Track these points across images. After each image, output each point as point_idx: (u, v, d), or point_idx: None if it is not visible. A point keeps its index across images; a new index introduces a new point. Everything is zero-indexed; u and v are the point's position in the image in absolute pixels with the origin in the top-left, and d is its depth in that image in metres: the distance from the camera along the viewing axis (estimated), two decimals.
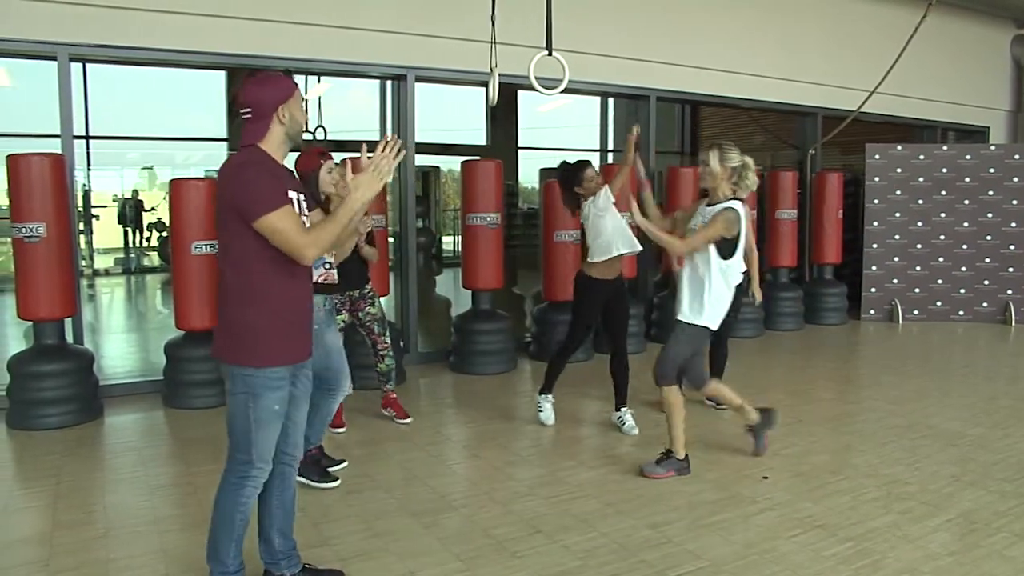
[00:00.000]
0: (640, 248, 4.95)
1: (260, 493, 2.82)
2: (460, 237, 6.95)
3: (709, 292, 3.96)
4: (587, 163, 4.97)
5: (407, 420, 5.09)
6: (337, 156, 5.41)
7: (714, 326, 4.07)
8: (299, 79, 9.85)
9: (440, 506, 3.77)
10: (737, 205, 3.97)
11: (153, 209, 15.04)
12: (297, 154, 4.12)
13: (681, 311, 4.06)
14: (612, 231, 4.82)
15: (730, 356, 5.62)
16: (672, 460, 4.15)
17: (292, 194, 2.61)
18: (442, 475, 4.23)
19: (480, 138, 13.13)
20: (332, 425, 4.93)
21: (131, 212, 15.05)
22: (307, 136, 10.76)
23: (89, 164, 12.17)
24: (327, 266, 4.05)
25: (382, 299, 6.04)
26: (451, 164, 12.67)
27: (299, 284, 2.67)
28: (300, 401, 2.82)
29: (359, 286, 4.79)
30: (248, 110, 2.58)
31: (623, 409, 5.01)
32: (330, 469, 4.18)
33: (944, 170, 9.10)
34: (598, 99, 12.34)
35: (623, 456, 4.47)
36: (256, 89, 2.59)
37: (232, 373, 2.62)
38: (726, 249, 3.94)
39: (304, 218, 2.68)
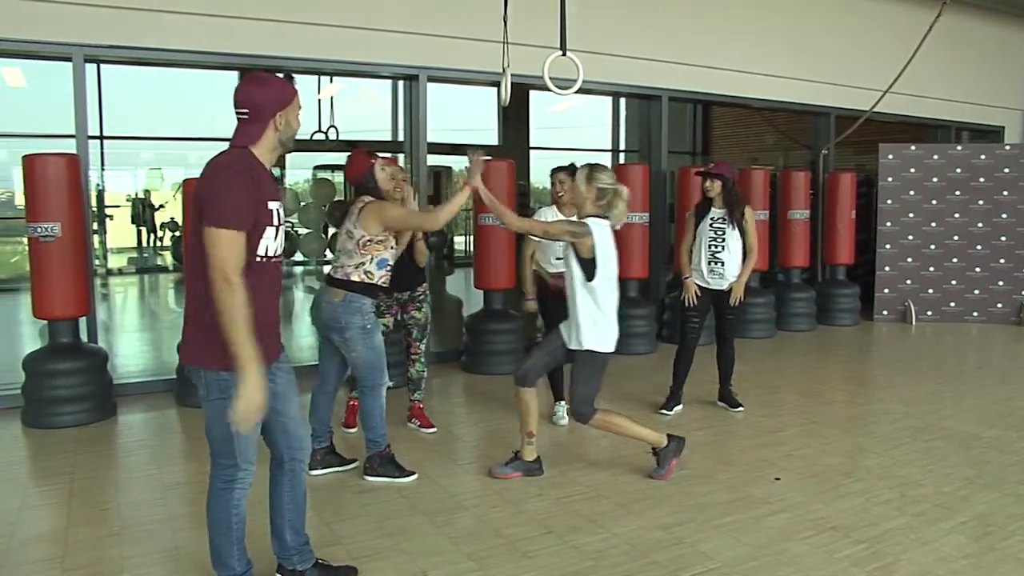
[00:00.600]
0: (551, 269, 5.00)
1: (271, 491, 2.86)
2: (472, 237, 6.96)
3: (580, 316, 3.91)
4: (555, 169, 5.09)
5: (432, 430, 4.99)
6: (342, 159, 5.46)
7: (604, 348, 3.94)
8: (311, 79, 9.92)
9: (451, 506, 3.77)
10: (595, 224, 3.86)
11: (162, 206, 15.13)
12: (345, 161, 4.20)
13: (569, 341, 4.00)
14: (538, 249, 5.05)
15: (743, 357, 5.61)
16: (667, 450, 4.13)
17: (273, 204, 2.56)
18: (453, 475, 4.23)
19: (492, 138, 13.15)
20: (344, 424, 4.95)
21: (145, 212, 15.15)
22: (319, 136, 10.83)
23: (103, 164, 12.25)
24: (388, 267, 4.04)
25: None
26: (463, 164, 12.69)
27: (263, 286, 2.58)
28: (287, 395, 2.77)
29: (410, 287, 4.80)
30: (246, 111, 2.54)
31: (559, 402, 5.20)
32: (339, 469, 4.21)
33: (958, 170, 9.04)
34: (610, 99, 12.33)
35: (633, 457, 4.46)
36: (256, 90, 2.55)
37: (207, 379, 2.56)
38: (587, 271, 3.86)
39: (280, 228, 2.62)
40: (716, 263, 5.25)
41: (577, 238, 3.83)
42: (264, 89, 2.56)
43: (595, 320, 3.91)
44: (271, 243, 2.58)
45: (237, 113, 2.56)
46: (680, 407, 5.39)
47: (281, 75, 2.65)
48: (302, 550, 2.94)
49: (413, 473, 4.13)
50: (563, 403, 5.21)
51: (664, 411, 5.33)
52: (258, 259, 2.54)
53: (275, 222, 2.57)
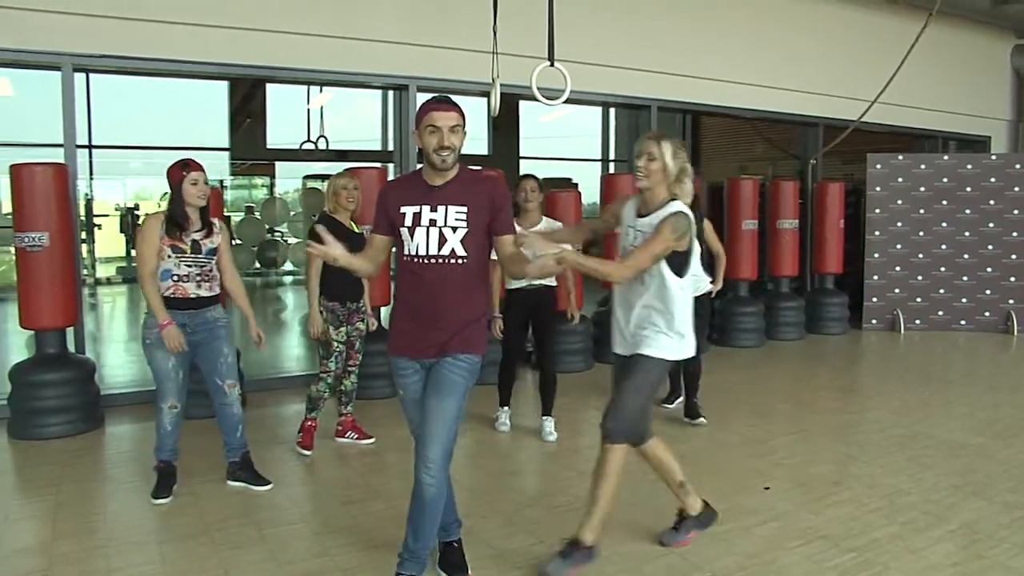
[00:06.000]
0: (514, 285, 4.97)
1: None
2: None
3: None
4: (528, 176, 5.05)
5: (371, 440, 4.91)
6: (339, 167, 5.45)
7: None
8: (301, 89, 9.84)
9: None
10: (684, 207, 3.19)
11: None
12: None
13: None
14: None
15: (734, 366, 5.62)
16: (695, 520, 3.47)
17: None
18: None
19: (482, 148, 13.19)
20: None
21: (133, 221, 15.05)
22: (309, 146, 10.79)
23: (92, 173, 12.20)
24: (175, 278, 3.85)
25: (383, 309, 6.05)
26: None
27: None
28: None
29: (357, 299, 4.77)
30: None
31: (545, 417, 5.10)
32: (257, 488, 4.14)
33: (945, 180, 9.10)
34: (599, 109, 12.39)
35: (625, 468, 4.44)
36: None
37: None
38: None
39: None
40: None
41: (683, 237, 3.10)
42: None
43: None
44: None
45: None
46: (681, 399, 5.53)
47: None
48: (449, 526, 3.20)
49: (166, 497, 3.94)
50: (550, 418, 5.13)
51: (665, 404, 5.56)
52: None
53: None
